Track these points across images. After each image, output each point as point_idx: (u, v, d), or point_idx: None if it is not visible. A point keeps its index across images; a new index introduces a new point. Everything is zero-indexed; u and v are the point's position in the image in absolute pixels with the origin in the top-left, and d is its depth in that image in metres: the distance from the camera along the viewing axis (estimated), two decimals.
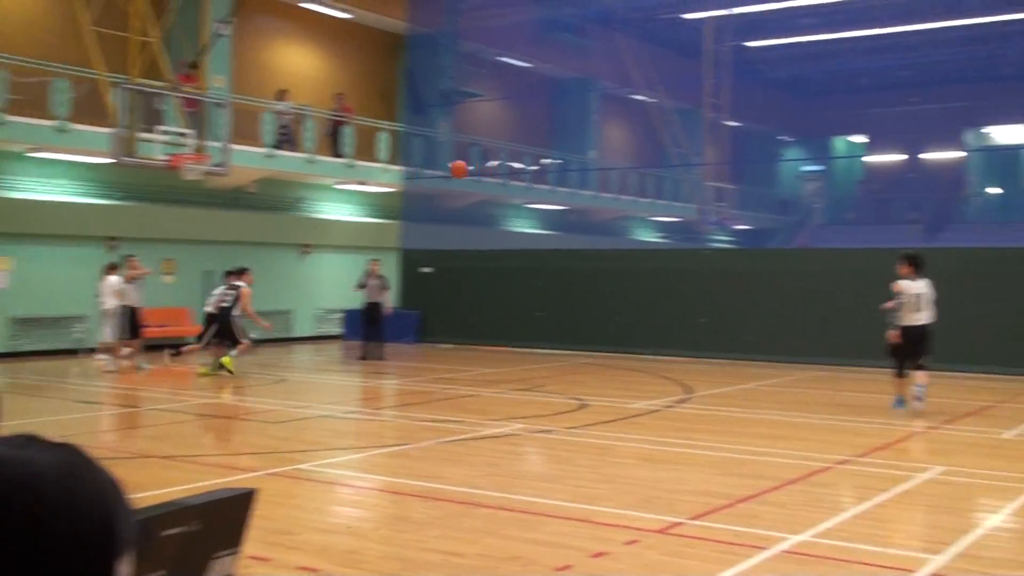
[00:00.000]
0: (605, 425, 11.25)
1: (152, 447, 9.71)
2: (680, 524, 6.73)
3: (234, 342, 16.34)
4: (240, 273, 16.89)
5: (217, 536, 4.31)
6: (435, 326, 23.51)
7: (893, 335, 12.45)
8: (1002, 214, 42.71)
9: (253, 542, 5.88)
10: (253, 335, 17.43)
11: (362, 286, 19.39)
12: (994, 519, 7.12)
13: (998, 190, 45.34)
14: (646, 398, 13.77)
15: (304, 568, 5.69)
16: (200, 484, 7.54)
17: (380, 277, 19.61)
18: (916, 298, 12.43)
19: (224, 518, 4.42)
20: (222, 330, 16.40)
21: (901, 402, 12.53)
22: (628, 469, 8.76)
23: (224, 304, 16.40)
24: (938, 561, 5.90)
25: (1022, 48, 37.92)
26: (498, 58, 32.94)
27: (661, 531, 6.53)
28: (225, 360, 16.15)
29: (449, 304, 23.46)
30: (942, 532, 6.68)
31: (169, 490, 7.37)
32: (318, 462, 9.01)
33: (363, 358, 19.12)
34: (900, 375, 12.55)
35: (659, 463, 9.02)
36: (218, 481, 7.73)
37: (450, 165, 13.41)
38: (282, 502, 7.32)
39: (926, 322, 12.42)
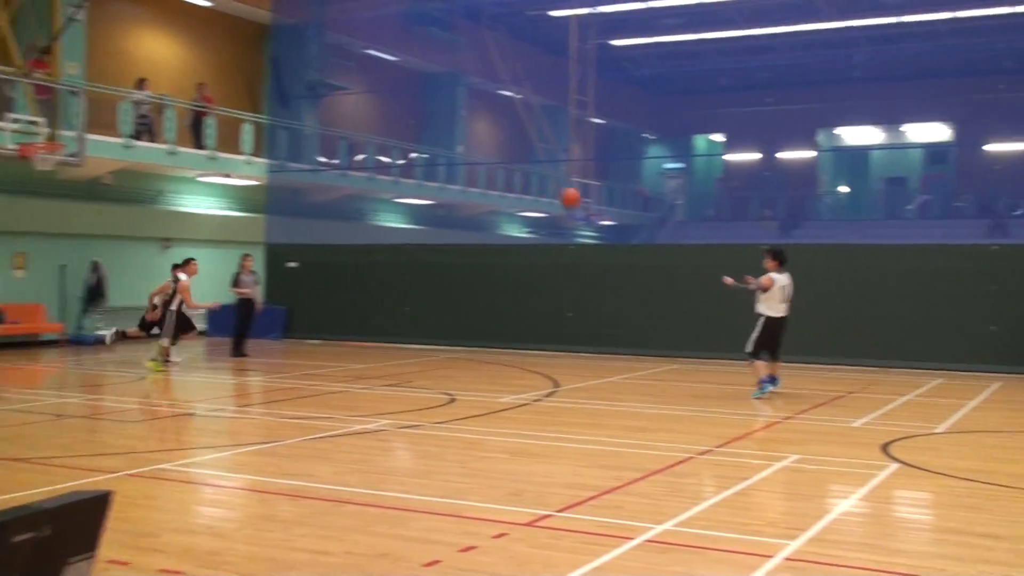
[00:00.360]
0: (474, 419, 11.30)
1: (1, 449, 9.29)
2: (548, 516, 6.81)
3: (173, 337, 16.61)
4: (184, 264, 17.02)
5: (71, 540, 4.16)
6: (302, 322, 23.19)
7: (732, 281, 13.42)
8: (851, 212, 44.63)
9: (112, 545, 5.70)
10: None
11: (236, 283, 19.00)
12: (844, 504, 7.43)
13: (847, 189, 47.33)
14: (514, 392, 13.88)
15: (166, 571, 5.54)
16: (54, 487, 7.26)
17: (253, 272, 19.34)
18: (781, 290, 13.04)
19: (79, 522, 4.27)
20: (161, 324, 16.63)
21: (764, 386, 13.10)
22: (496, 463, 8.82)
23: (166, 297, 16.70)
24: (793, 546, 6.14)
25: (869, 53, 39.66)
26: (365, 51, 32.65)
27: (529, 524, 6.60)
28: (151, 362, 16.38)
29: (316, 299, 23.16)
30: (797, 518, 6.94)
31: (20, 494, 7.08)
32: (180, 462, 8.78)
33: (235, 355, 18.74)
34: (760, 361, 13.14)
35: (527, 456, 9.11)
36: (73, 484, 7.46)
37: (562, 195, 13.52)
38: (142, 504, 7.11)
39: (787, 314, 13.11)
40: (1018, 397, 14.33)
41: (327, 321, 22.81)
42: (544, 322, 20.87)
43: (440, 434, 10.40)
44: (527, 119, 37.25)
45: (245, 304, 18.94)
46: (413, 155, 33.92)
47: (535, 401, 13.07)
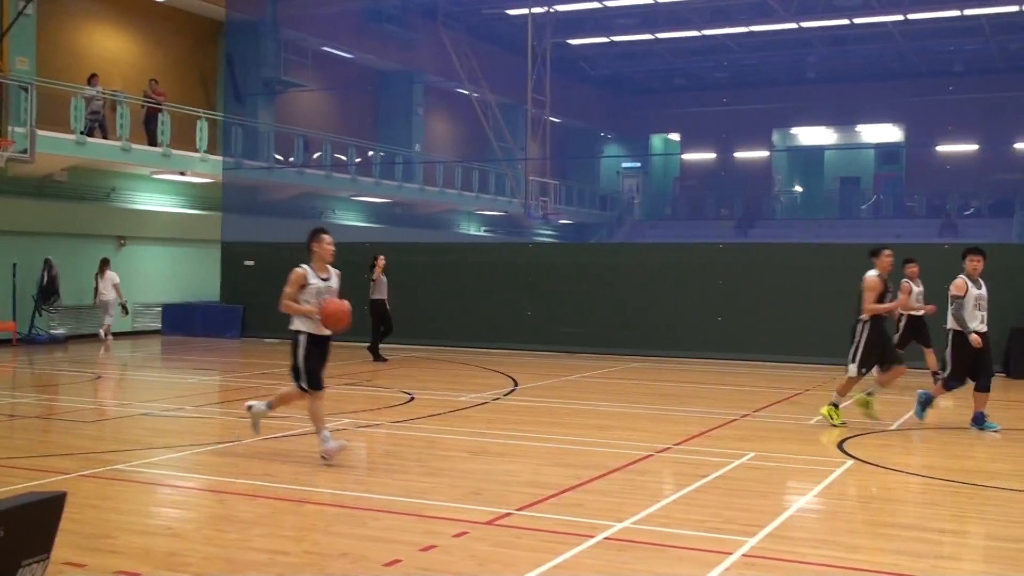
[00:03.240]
0: (434, 418, 11.27)
1: None
2: (508, 515, 6.81)
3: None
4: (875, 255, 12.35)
5: (25, 542, 4.10)
6: (258, 320, 22.97)
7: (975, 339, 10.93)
8: (806, 211, 45.09)
9: (67, 547, 5.62)
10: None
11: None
12: (802, 500, 7.51)
13: (801, 189, 47.81)
14: (474, 391, 13.87)
15: (123, 572, 5.47)
16: (7, 489, 7.15)
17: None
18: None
19: (32, 523, 4.21)
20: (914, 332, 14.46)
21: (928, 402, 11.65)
22: (456, 462, 8.80)
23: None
24: (751, 543, 6.18)
25: (822, 54, 40.10)
26: (321, 48, 32.46)
27: (489, 523, 6.59)
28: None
29: (273, 298, 22.78)
30: (755, 515, 6.99)
31: None
32: (136, 462, 8.67)
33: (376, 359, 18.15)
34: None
35: (487, 455, 9.11)
36: (27, 485, 7.33)
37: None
38: (98, 504, 7.01)
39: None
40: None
41: (283, 319, 22.49)
42: (503, 321, 20.87)
43: (400, 433, 10.37)
44: (484, 117, 37.22)
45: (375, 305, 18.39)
46: (370, 153, 33.77)
47: (494, 400, 13.07)
